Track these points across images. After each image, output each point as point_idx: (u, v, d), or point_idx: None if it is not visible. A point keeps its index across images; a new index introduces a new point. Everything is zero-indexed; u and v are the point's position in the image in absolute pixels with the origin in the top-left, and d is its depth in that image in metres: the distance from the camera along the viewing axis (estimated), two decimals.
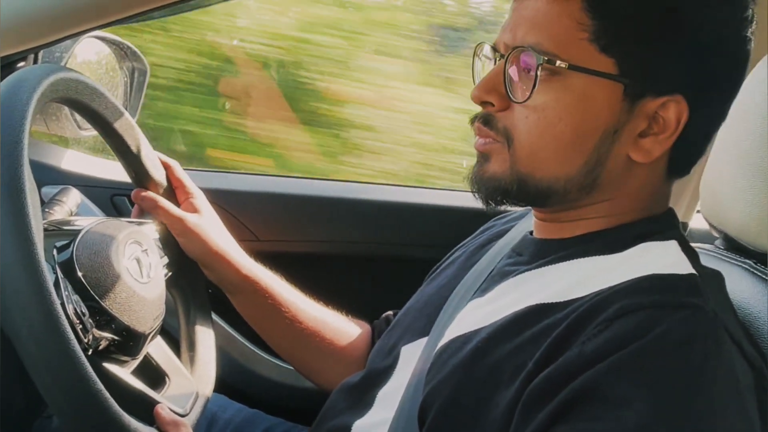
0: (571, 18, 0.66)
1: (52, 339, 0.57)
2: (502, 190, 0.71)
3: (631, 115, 0.67)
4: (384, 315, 1.00)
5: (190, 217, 0.91)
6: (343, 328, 1.00)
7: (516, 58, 0.68)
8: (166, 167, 0.94)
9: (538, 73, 0.66)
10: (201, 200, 0.95)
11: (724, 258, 0.88)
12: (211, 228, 0.93)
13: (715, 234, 0.96)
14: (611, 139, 0.68)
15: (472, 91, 0.72)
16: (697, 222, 1.29)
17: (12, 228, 0.57)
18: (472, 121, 0.74)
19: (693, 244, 0.77)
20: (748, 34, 0.68)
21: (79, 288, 0.67)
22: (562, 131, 0.67)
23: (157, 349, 0.82)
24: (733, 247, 0.91)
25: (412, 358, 0.79)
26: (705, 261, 0.75)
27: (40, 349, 0.57)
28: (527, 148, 0.69)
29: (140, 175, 0.89)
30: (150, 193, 0.90)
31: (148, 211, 0.90)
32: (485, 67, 0.75)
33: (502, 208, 0.75)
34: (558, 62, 0.66)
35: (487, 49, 0.75)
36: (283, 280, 0.99)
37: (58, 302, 0.58)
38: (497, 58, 0.72)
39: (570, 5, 0.66)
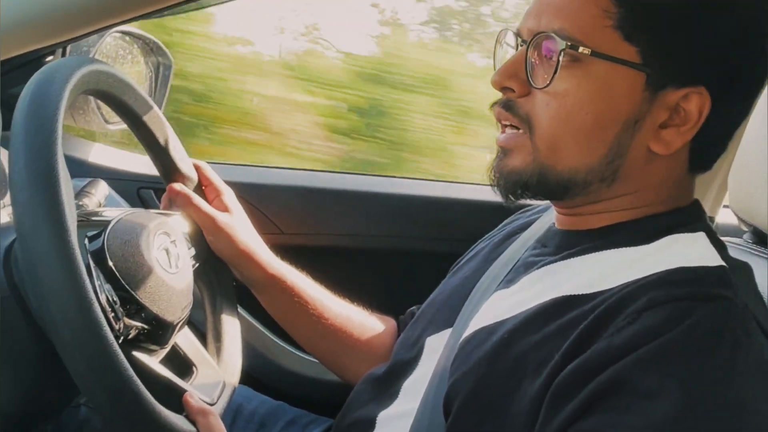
0: (596, 5, 0.66)
1: (87, 326, 0.58)
2: (522, 183, 0.71)
3: (652, 106, 0.67)
4: (409, 310, 1.00)
5: (220, 216, 0.92)
6: (368, 323, 1.00)
7: (539, 43, 0.68)
8: (196, 168, 0.95)
9: (560, 58, 0.66)
10: (231, 199, 0.96)
11: (753, 251, 0.87)
12: (240, 227, 0.94)
13: (744, 228, 0.95)
14: (632, 129, 0.67)
15: (492, 76, 0.72)
16: (723, 217, 1.28)
17: (47, 217, 0.58)
18: (492, 106, 0.73)
19: (724, 238, 0.76)
20: None
21: (110, 277, 0.67)
22: (583, 119, 0.67)
23: (185, 339, 0.82)
24: (762, 240, 0.90)
25: (436, 349, 0.79)
26: (733, 255, 0.74)
27: (75, 336, 0.58)
28: (548, 135, 0.68)
29: (168, 168, 0.90)
30: (184, 189, 0.91)
31: (180, 207, 0.91)
32: (507, 54, 0.75)
33: (521, 202, 0.74)
34: (581, 48, 0.65)
35: (509, 36, 0.74)
36: (308, 277, 1.00)
37: (91, 290, 0.59)
38: (519, 45, 0.72)
39: None
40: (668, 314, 0.59)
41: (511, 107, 0.71)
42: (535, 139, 0.69)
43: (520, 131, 0.70)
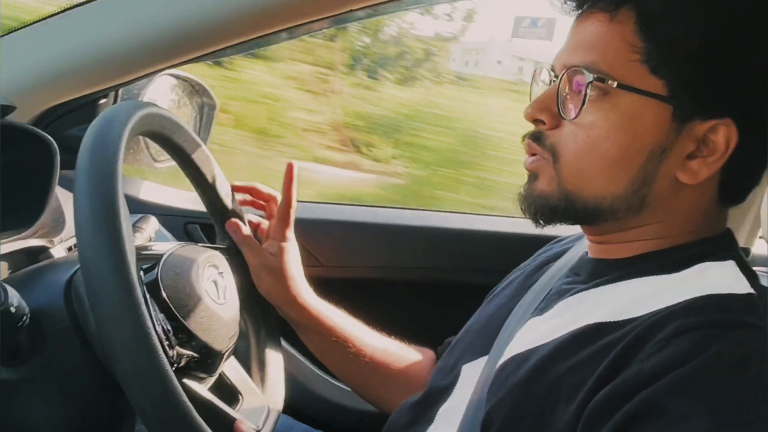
0: (623, 40, 0.68)
1: (146, 355, 0.61)
2: (550, 207, 0.73)
3: (679, 137, 0.68)
4: (446, 340, 1.01)
5: (269, 260, 0.96)
6: (407, 356, 1.02)
7: (570, 77, 0.70)
8: (287, 200, 0.98)
9: (588, 91, 0.68)
10: (292, 246, 0.99)
11: None
12: (287, 274, 0.97)
13: None
14: (659, 159, 0.69)
15: (525, 109, 0.75)
16: (760, 248, 1.28)
17: (110, 253, 0.62)
18: (524, 138, 0.76)
19: (757, 268, 0.76)
20: None
21: (163, 307, 0.71)
22: (608, 149, 0.69)
23: (231, 368, 0.85)
24: None
25: (472, 376, 0.80)
26: (766, 284, 0.75)
27: (134, 364, 0.61)
28: (572, 164, 0.71)
29: (214, 204, 0.94)
30: (243, 228, 0.95)
31: (237, 243, 0.95)
32: (541, 90, 0.77)
33: (551, 226, 0.75)
34: (608, 81, 0.68)
35: (544, 74, 0.77)
36: (347, 309, 1.02)
37: (149, 320, 0.62)
38: (552, 80, 0.75)
39: (624, 28, 0.68)
40: (696, 341, 0.60)
41: (539, 138, 0.73)
42: (559, 167, 0.71)
43: (543, 157, 0.73)
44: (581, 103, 0.68)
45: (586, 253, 0.80)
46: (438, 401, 0.84)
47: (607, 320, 0.68)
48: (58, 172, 0.82)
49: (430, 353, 1.04)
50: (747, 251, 1.27)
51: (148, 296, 0.70)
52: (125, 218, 0.63)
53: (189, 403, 0.63)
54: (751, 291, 0.67)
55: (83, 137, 0.67)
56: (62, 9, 0.92)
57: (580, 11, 0.73)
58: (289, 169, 0.99)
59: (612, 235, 0.74)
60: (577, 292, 0.75)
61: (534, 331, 0.75)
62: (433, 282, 1.31)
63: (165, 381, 0.62)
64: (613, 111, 0.68)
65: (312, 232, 1.25)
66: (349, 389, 1.21)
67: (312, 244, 1.25)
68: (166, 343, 0.69)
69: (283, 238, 0.98)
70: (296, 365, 1.24)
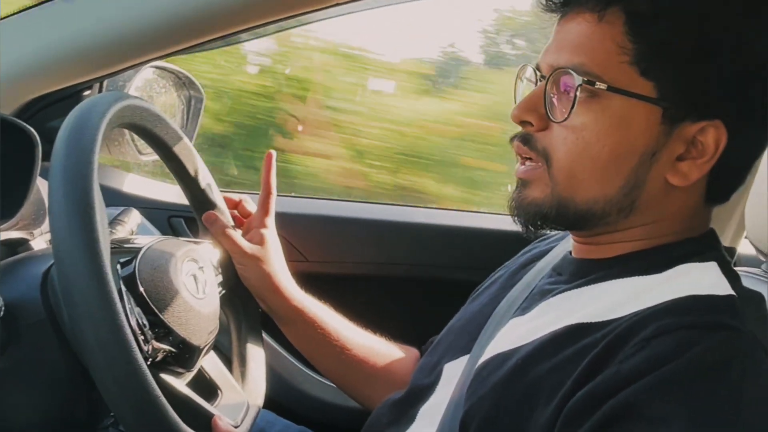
0: (613, 41, 0.67)
1: (118, 347, 0.61)
2: (542, 214, 0.72)
3: (669, 139, 0.68)
4: (430, 340, 1.01)
5: (250, 248, 0.95)
6: (391, 354, 1.02)
7: (557, 79, 0.70)
8: (266, 190, 0.99)
9: (578, 93, 0.67)
10: (270, 233, 0.99)
11: None
12: (270, 260, 0.96)
13: (762, 258, 0.96)
14: (649, 161, 0.69)
15: (512, 110, 0.74)
16: (746, 247, 1.28)
17: (83, 244, 0.61)
18: (512, 140, 0.75)
19: (740, 268, 0.76)
20: None
21: (140, 301, 0.70)
22: (600, 152, 0.68)
23: (211, 363, 0.85)
24: None
25: (454, 375, 0.80)
26: (751, 284, 0.75)
27: (107, 357, 0.61)
28: (566, 168, 0.70)
29: (197, 197, 0.93)
30: (220, 219, 0.94)
31: (215, 236, 0.94)
32: (527, 89, 0.76)
33: (541, 232, 0.76)
34: (598, 83, 0.67)
35: (529, 72, 0.76)
36: (331, 304, 1.02)
37: (122, 313, 0.62)
38: (539, 80, 0.74)
39: (613, 29, 0.68)
40: (675, 342, 0.60)
41: (529, 141, 0.73)
42: (553, 171, 0.71)
43: (539, 164, 0.72)
44: (570, 105, 0.68)
45: (570, 252, 0.80)
46: (420, 400, 0.84)
47: (588, 321, 0.68)
48: (39, 163, 0.82)
49: (414, 351, 1.03)
50: (733, 251, 1.28)
51: (124, 290, 0.69)
52: (100, 209, 0.63)
53: (163, 398, 0.63)
54: (732, 293, 0.67)
55: (60, 128, 0.67)
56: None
57: (565, 11, 0.72)
58: (268, 158, 0.99)
59: (599, 237, 0.74)
60: (560, 292, 0.75)
61: (516, 331, 0.75)
62: (418, 278, 1.31)
63: (138, 375, 0.61)
64: (603, 113, 0.68)
65: (297, 226, 1.25)
66: (331, 385, 1.21)
67: (297, 238, 1.24)
68: (141, 337, 0.69)
69: (263, 225, 0.98)
70: (279, 360, 1.24)
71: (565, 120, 0.69)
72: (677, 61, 0.66)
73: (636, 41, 0.67)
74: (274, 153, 1.00)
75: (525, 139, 0.73)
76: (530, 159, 0.73)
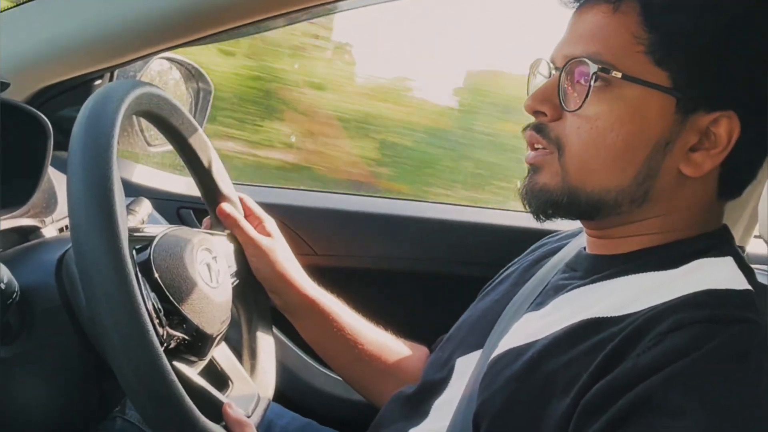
0: (628, 31, 0.68)
1: (135, 330, 0.61)
2: (553, 202, 0.72)
3: (682, 129, 0.68)
4: (439, 338, 1.00)
5: (263, 240, 0.95)
6: (401, 350, 1.02)
7: (572, 69, 0.70)
8: (240, 199, 0.98)
9: (593, 82, 0.67)
10: (272, 226, 0.99)
11: None
12: (281, 253, 0.97)
13: None
14: (663, 151, 0.69)
15: (525, 101, 0.74)
16: (754, 247, 1.28)
17: (103, 229, 0.61)
18: (524, 130, 0.75)
19: (752, 265, 0.76)
20: None
21: (155, 288, 0.70)
22: (614, 141, 0.68)
23: (222, 354, 0.85)
24: None
25: (466, 370, 0.80)
26: (761, 281, 0.74)
27: (123, 340, 0.61)
28: (578, 157, 0.70)
29: (210, 189, 0.93)
30: (233, 212, 0.94)
31: (228, 227, 0.94)
32: (539, 82, 0.76)
33: (552, 221, 0.75)
34: (612, 72, 0.67)
35: (543, 66, 0.76)
36: (341, 299, 1.02)
37: (140, 296, 0.61)
38: (552, 72, 0.74)
39: (628, 19, 0.68)
40: (693, 336, 0.60)
41: (542, 130, 0.72)
42: (565, 160, 0.71)
43: (550, 151, 0.72)
44: (585, 94, 0.68)
45: (584, 248, 0.80)
46: (433, 395, 0.84)
47: (604, 315, 0.68)
48: (51, 152, 0.81)
49: (423, 349, 1.03)
50: (742, 250, 1.27)
51: (140, 276, 0.69)
52: (119, 195, 0.63)
53: (178, 384, 0.63)
54: (749, 287, 0.67)
55: (78, 114, 0.66)
56: None
57: (580, 3, 0.73)
58: (242, 202, 0.99)
59: (613, 230, 0.74)
60: (574, 287, 0.75)
61: (530, 326, 0.75)
62: (427, 273, 1.31)
63: (154, 357, 0.61)
64: (618, 102, 0.68)
65: (307, 220, 1.25)
66: (338, 378, 1.21)
67: (306, 232, 1.24)
68: (156, 321, 0.69)
69: (259, 220, 0.98)
70: (288, 354, 1.23)
71: (578, 109, 0.69)
72: (692, 51, 0.67)
73: (651, 31, 0.67)
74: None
75: (538, 129, 0.73)
76: (541, 148, 0.73)
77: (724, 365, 0.59)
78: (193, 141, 0.86)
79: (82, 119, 0.65)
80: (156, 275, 0.71)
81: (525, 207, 0.75)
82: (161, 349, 0.62)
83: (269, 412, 0.94)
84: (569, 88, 0.70)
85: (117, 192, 0.62)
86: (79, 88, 1.03)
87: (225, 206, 0.93)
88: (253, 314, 0.95)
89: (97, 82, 1.06)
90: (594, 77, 0.67)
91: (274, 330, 1.09)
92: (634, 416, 0.59)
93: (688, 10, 0.67)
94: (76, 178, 0.62)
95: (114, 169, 0.63)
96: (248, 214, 0.99)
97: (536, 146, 0.74)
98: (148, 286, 0.70)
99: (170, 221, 1.16)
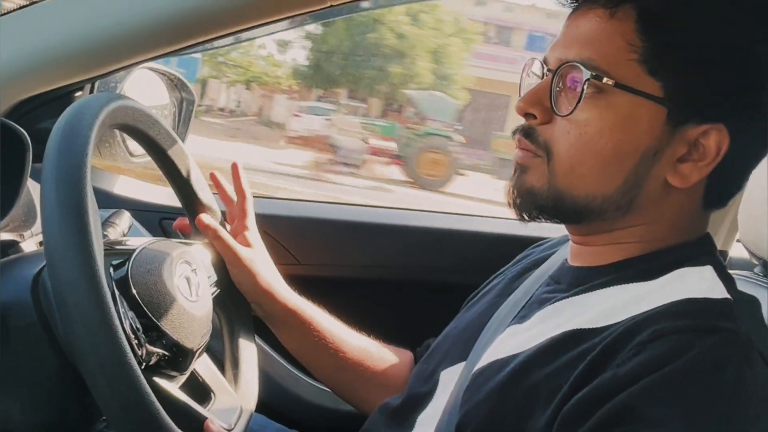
0: (623, 38, 0.67)
1: (112, 351, 0.60)
2: (538, 204, 0.72)
3: (672, 139, 0.68)
4: (425, 342, 1.00)
5: (244, 251, 0.94)
6: (385, 357, 1.01)
7: (565, 73, 0.69)
8: (242, 196, 0.98)
9: (585, 87, 0.67)
10: (254, 236, 0.98)
11: (762, 284, 0.88)
12: (262, 263, 0.96)
13: (755, 261, 0.96)
14: (651, 161, 0.68)
15: (516, 102, 0.73)
16: (738, 251, 1.29)
17: (76, 247, 0.60)
18: (514, 133, 0.75)
19: (732, 271, 0.76)
20: None
21: (133, 305, 0.70)
22: (602, 148, 0.68)
23: (204, 366, 0.84)
24: None
25: (450, 382, 0.80)
26: (743, 287, 0.75)
27: (100, 361, 0.60)
28: (566, 162, 0.70)
29: (189, 199, 0.92)
30: (213, 222, 0.93)
31: (208, 239, 0.93)
32: (532, 82, 0.76)
33: (536, 222, 0.74)
34: (605, 79, 0.67)
35: (536, 66, 0.76)
36: (325, 308, 1.01)
37: (116, 316, 0.61)
38: (545, 73, 0.73)
39: (624, 26, 0.67)
40: (672, 346, 0.60)
41: (531, 135, 0.72)
42: (553, 164, 0.70)
43: (538, 155, 0.72)
44: (576, 99, 0.67)
45: (567, 260, 0.80)
46: (417, 408, 0.83)
47: (586, 327, 0.68)
48: (30, 165, 0.81)
49: (408, 354, 1.03)
50: (724, 254, 1.28)
51: (117, 293, 0.69)
52: (93, 211, 0.62)
53: (156, 402, 0.62)
54: (728, 296, 0.67)
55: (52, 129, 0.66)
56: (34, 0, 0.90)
57: (577, 5, 0.72)
58: (235, 168, 0.99)
59: (597, 237, 0.74)
60: (558, 300, 0.74)
61: (513, 339, 0.75)
62: (411, 281, 1.31)
63: (132, 379, 0.61)
64: (609, 110, 0.68)
65: (290, 229, 1.25)
66: (323, 388, 1.21)
67: (289, 241, 1.24)
68: (134, 341, 0.68)
69: (246, 229, 0.98)
70: (272, 363, 1.23)
71: (569, 114, 0.68)
72: (685, 63, 0.66)
73: (646, 39, 0.67)
74: (238, 162, 1.00)
75: (527, 133, 0.73)
76: (530, 151, 0.73)
77: (703, 375, 0.59)
78: (172, 152, 0.85)
79: (56, 136, 0.65)
80: (134, 291, 0.70)
81: (509, 206, 0.74)
82: (138, 369, 0.61)
83: (253, 423, 0.94)
84: (561, 92, 0.70)
85: (91, 211, 0.62)
86: (59, 100, 1.02)
87: (204, 217, 0.92)
88: (235, 324, 0.95)
89: (78, 93, 1.06)
90: (586, 83, 0.67)
91: (259, 340, 1.09)
92: (612, 427, 0.59)
93: (683, 20, 0.67)
94: (49, 198, 0.61)
95: (87, 188, 0.62)
96: (239, 216, 0.98)
97: (525, 149, 0.73)
98: (125, 303, 0.69)
99: (153, 232, 1.16)
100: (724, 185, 0.72)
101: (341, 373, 1.00)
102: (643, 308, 0.66)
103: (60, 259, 0.60)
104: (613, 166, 0.69)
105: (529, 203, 0.72)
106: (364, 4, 1.07)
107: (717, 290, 0.67)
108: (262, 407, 0.98)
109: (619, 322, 0.66)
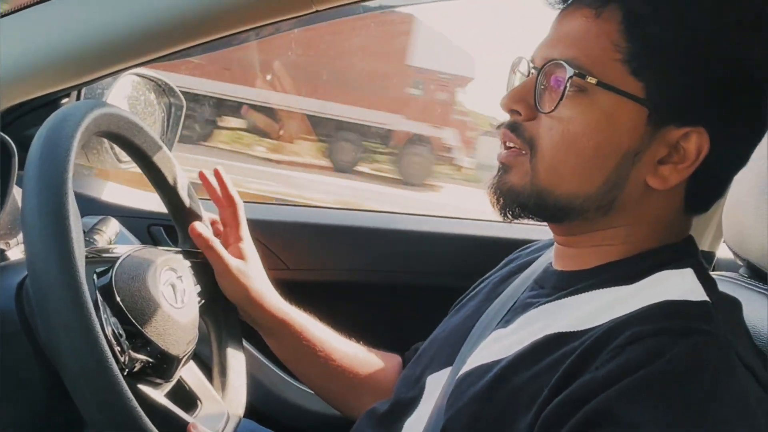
0: (608, 38, 0.68)
1: (93, 359, 0.60)
2: (520, 202, 0.73)
3: (653, 141, 0.68)
4: (413, 346, 1.01)
5: (234, 263, 0.93)
6: (374, 362, 1.01)
7: (549, 71, 0.70)
8: (233, 205, 0.97)
9: (568, 86, 0.68)
10: (248, 246, 0.98)
11: (746, 285, 0.89)
12: (252, 275, 0.95)
13: (739, 262, 0.97)
14: (631, 161, 0.69)
15: (501, 99, 0.74)
16: (725, 251, 1.29)
17: (56, 254, 0.60)
18: (499, 127, 0.75)
19: (717, 272, 0.77)
20: None
21: (117, 312, 0.70)
22: (585, 146, 0.69)
23: (190, 373, 0.84)
24: (757, 274, 0.91)
25: (437, 387, 0.80)
26: (728, 288, 0.75)
27: (82, 368, 0.60)
28: (549, 160, 0.70)
29: (175, 206, 0.92)
30: (205, 232, 0.92)
31: (200, 248, 0.92)
32: (519, 81, 0.77)
33: (519, 220, 0.75)
34: (588, 78, 0.67)
35: (523, 65, 0.76)
36: (314, 314, 1.01)
37: (97, 323, 0.61)
38: (531, 71, 0.74)
39: (609, 26, 0.68)
40: (649, 348, 0.61)
41: (516, 129, 0.73)
42: (536, 161, 0.71)
43: (522, 152, 0.72)
44: (559, 97, 0.68)
45: (551, 264, 0.80)
46: (404, 414, 0.84)
47: (567, 330, 0.68)
48: (16, 173, 0.81)
49: (396, 358, 1.03)
50: (711, 255, 1.29)
51: (100, 300, 0.69)
52: (75, 220, 0.62)
53: (138, 407, 0.62)
54: (706, 298, 0.67)
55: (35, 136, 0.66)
56: (20, 6, 0.90)
57: (565, 5, 0.73)
58: (218, 174, 0.98)
59: (579, 237, 0.74)
60: (541, 304, 0.75)
61: (498, 344, 0.75)
62: (400, 285, 1.31)
63: (112, 384, 0.61)
64: (591, 108, 0.68)
65: (278, 234, 1.25)
66: (312, 393, 1.21)
67: (277, 247, 1.24)
68: (117, 348, 0.68)
69: (239, 239, 0.97)
70: (261, 369, 1.23)
71: (552, 111, 0.69)
72: (668, 65, 0.67)
73: (630, 40, 0.67)
74: (220, 168, 0.98)
75: (512, 127, 0.73)
76: (514, 147, 0.73)
77: (680, 377, 0.59)
78: (158, 159, 0.85)
79: (38, 143, 0.65)
80: (118, 298, 0.70)
81: (492, 204, 0.75)
82: (120, 376, 0.61)
83: (242, 429, 0.94)
84: (545, 90, 0.71)
85: (72, 217, 0.62)
86: (46, 107, 1.02)
87: (198, 225, 0.92)
88: (223, 331, 0.94)
89: (65, 100, 1.05)
90: (569, 81, 0.68)
91: (248, 345, 1.09)
92: (591, 428, 0.59)
93: (666, 23, 0.67)
94: (30, 207, 0.61)
95: (69, 194, 0.62)
96: (232, 225, 0.97)
97: (509, 145, 0.74)
98: (109, 310, 0.69)
99: (141, 239, 1.16)
100: (704, 190, 0.72)
101: (331, 381, 1.00)
102: (623, 311, 0.66)
103: (40, 264, 0.60)
104: (595, 165, 0.69)
105: (511, 201, 0.73)
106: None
107: (696, 293, 0.68)
108: (251, 412, 0.98)
109: (599, 326, 0.66)
